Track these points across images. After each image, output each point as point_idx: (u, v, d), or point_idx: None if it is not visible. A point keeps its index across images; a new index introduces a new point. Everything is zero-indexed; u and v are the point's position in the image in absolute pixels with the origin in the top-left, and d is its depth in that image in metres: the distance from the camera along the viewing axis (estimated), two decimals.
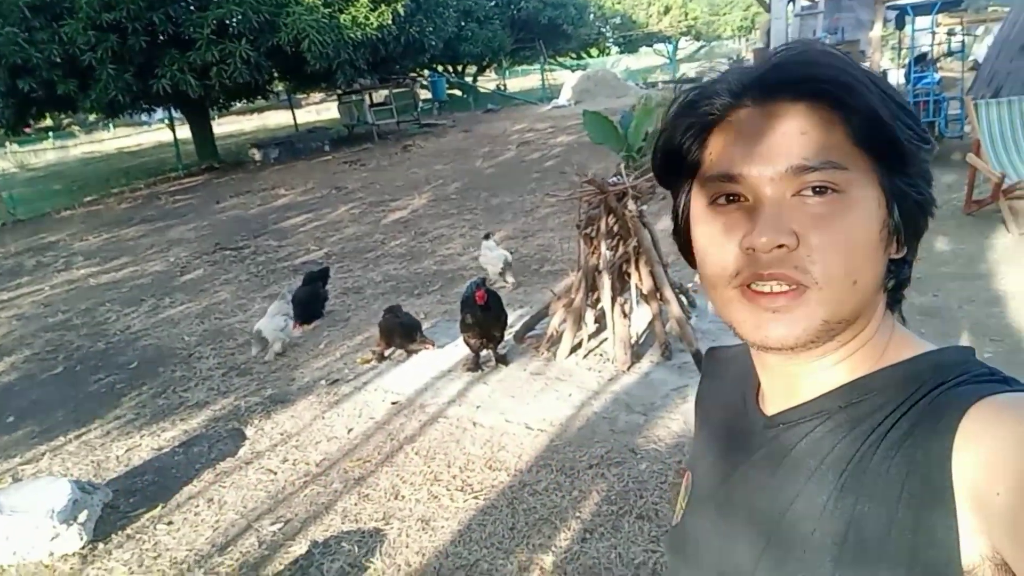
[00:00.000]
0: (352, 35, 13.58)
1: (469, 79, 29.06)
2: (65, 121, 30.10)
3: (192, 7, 12.90)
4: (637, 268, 4.26)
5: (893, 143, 0.60)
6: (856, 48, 13.49)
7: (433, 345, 4.70)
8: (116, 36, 11.92)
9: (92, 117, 25.93)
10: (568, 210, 7.55)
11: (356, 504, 3.18)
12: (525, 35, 27.68)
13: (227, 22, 12.80)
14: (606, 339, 4.39)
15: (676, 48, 36.30)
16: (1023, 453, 0.50)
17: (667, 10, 37.19)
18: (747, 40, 37.45)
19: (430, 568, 2.71)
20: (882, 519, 0.57)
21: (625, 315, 4.22)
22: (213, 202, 11.87)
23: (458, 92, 26.97)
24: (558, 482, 3.14)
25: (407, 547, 2.84)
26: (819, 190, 0.59)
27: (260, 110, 29.38)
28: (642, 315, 4.42)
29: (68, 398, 4.78)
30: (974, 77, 10.39)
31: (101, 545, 3.10)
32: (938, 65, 13.60)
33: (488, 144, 14.40)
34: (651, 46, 40.78)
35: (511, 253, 6.22)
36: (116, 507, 3.39)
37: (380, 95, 18.60)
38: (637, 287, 4.32)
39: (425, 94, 24.42)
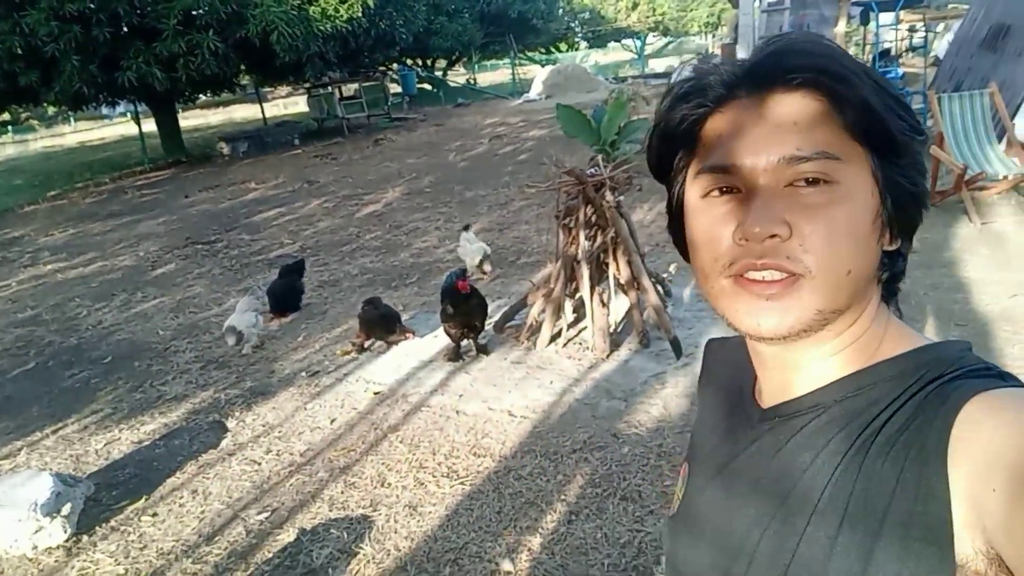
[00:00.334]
0: (321, 27, 13.47)
1: (439, 73, 28.98)
2: (24, 115, 29.39)
3: None
4: (615, 258, 4.33)
5: (886, 134, 0.60)
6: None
7: (414, 335, 4.73)
8: (79, 27, 11.68)
9: (52, 111, 25.39)
10: (543, 203, 7.62)
11: (342, 492, 3.20)
12: (495, 29, 27.67)
13: (194, 13, 12.60)
14: (585, 328, 4.46)
15: (644, 43, 36.59)
16: (1019, 449, 0.50)
17: (635, 6, 37.47)
18: (714, 36, 37.88)
19: (420, 552, 2.75)
20: (877, 512, 0.57)
21: (603, 304, 4.28)
22: (182, 196, 11.71)
23: (428, 86, 26.91)
24: (542, 467, 3.20)
25: (396, 532, 2.88)
26: (812, 180, 0.60)
27: (226, 103, 29.01)
28: (620, 304, 4.50)
29: (42, 394, 4.71)
30: (935, 72, 10.65)
31: (85, 537, 3.09)
32: (900, 61, 13.93)
33: (460, 138, 14.40)
34: (619, 41, 41.06)
35: (487, 245, 6.26)
36: (98, 500, 3.37)
37: (350, 89, 18.48)
38: (615, 276, 4.39)
39: (395, 88, 24.30)
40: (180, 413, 4.20)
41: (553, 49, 36.91)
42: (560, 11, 34.94)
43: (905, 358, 0.64)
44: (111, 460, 3.75)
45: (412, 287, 6.02)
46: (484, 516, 2.90)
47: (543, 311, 4.47)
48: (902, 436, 0.58)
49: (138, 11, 12.35)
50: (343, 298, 5.95)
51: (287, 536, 2.94)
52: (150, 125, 16.76)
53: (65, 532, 3.05)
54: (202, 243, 8.40)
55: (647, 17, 37.70)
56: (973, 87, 7.43)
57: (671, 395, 3.69)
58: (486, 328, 4.57)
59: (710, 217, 0.64)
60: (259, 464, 3.54)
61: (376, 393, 4.13)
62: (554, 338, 4.45)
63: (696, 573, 0.76)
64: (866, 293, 0.65)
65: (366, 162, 13.00)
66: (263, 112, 20.52)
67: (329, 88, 17.85)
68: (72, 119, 29.46)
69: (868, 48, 12.52)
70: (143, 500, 3.34)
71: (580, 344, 4.41)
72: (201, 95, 17.98)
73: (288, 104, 26.70)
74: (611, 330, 4.33)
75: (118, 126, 25.84)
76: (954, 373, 0.60)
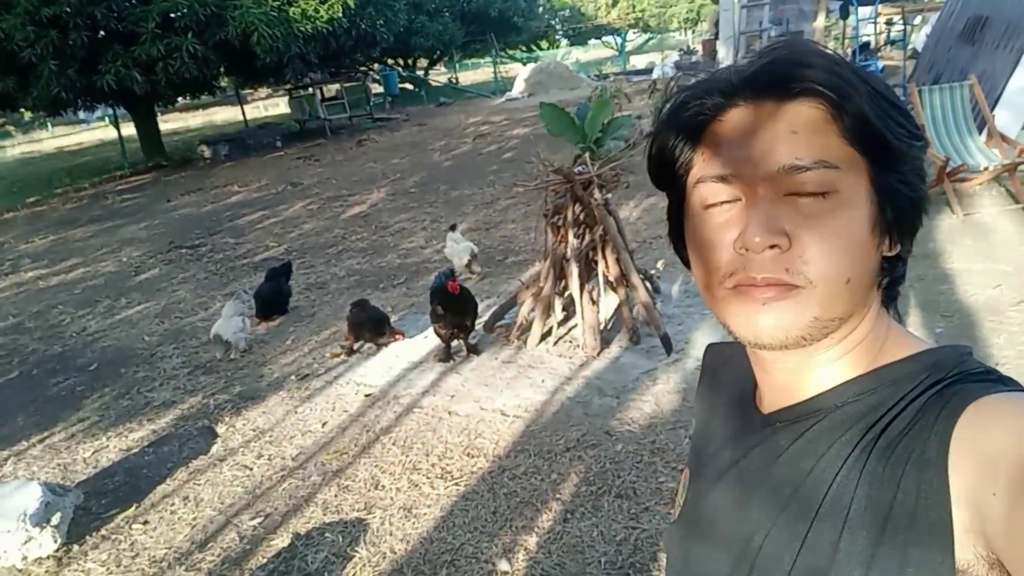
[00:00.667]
0: (302, 28, 13.38)
1: (421, 72, 28.90)
2: (0, 121, 29.01)
3: (135, 0, 12.55)
4: (604, 255, 4.34)
5: (884, 142, 0.60)
6: (806, 39, 13.83)
7: (403, 336, 4.71)
8: (56, 31, 11.53)
9: (28, 116, 25.05)
10: (529, 201, 7.62)
11: (336, 496, 3.19)
12: (476, 28, 27.62)
13: (172, 15, 12.49)
14: (575, 326, 4.46)
15: (625, 40, 36.65)
16: (1019, 452, 0.50)
17: (615, 3, 37.51)
18: (694, 31, 38.03)
19: (416, 554, 2.74)
20: (878, 517, 0.57)
21: (593, 302, 4.29)
22: (163, 200, 11.61)
23: (410, 86, 26.82)
24: (537, 465, 3.20)
25: (391, 535, 2.87)
26: (811, 190, 0.60)
27: (206, 106, 28.79)
28: (610, 301, 4.51)
29: (27, 402, 4.65)
30: (914, 65, 10.75)
31: (76, 547, 3.05)
32: (880, 54, 14.04)
33: (444, 137, 14.37)
34: (600, 38, 41.12)
35: (475, 245, 6.24)
36: (88, 509, 3.33)
37: (331, 89, 18.41)
38: (604, 274, 4.39)
39: (377, 88, 24.20)
40: (169, 419, 4.16)
41: (534, 47, 36.92)
42: (540, 9, 34.97)
43: (906, 363, 0.64)
44: (100, 468, 3.71)
45: (400, 288, 6.00)
46: (479, 516, 2.90)
47: (533, 310, 4.47)
48: (903, 440, 0.58)
49: (116, 14, 12.20)
50: (331, 300, 5.92)
51: (281, 541, 2.92)
52: (129, 129, 16.58)
53: (55, 542, 3.02)
54: (186, 247, 8.33)
55: (627, 14, 37.76)
56: (952, 79, 7.50)
57: (663, 391, 3.70)
58: (476, 328, 4.56)
59: (711, 226, 0.64)
60: (251, 469, 3.51)
61: (367, 395, 4.12)
62: (544, 337, 4.45)
63: None
64: (866, 299, 0.65)
65: (350, 163, 12.94)
66: (244, 114, 20.38)
67: (310, 89, 17.75)
68: (50, 124, 29.11)
69: (848, 42, 12.62)
70: (134, 508, 3.31)
71: (571, 342, 4.41)
72: (180, 98, 17.80)
73: (269, 106, 26.51)
74: (601, 328, 4.34)
75: (96, 131, 25.55)
76: (955, 377, 0.60)
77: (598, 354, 4.18)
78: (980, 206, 6.02)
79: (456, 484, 3.14)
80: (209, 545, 2.96)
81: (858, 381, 0.65)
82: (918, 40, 14.41)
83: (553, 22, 38.85)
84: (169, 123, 23.85)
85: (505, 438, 3.47)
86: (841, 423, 0.64)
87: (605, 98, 8.79)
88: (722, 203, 0.63)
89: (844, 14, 10.50)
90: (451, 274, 4.37)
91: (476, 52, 31.25)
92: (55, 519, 3.03)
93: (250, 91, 26.29)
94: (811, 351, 0.65)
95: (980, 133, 6.54)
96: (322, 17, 13.58)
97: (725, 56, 14.98)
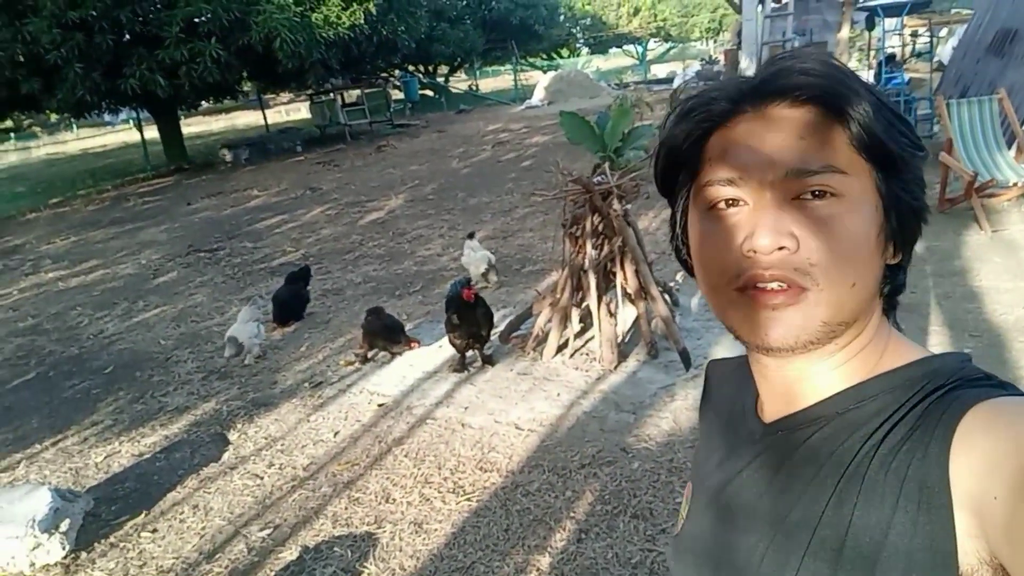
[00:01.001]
0: (324, 34, 13.46)
1: (441, 79, 28.99)
2: (27, 122, 29.44)
3: (160, 5, 12.68)
4: (622, 267, 4.27)
5: (889, 149, 0.61)
6: (824, 50, 13.68)
7: (419, 344, 4.66)
8: (82, 34, 11.66)
9: (54, 118, 25.40)
10: (547, 210, 7.57)
11: (346, 508, 3.14)
12: (497, 35, 27.70)
13: (196, 20, 12.59)
14: (591, 338, 4.39)
15: (646, 49, 36.57)
16: (1020, 457, 0.50)
17: (636, 12, 37.46)
18: (715, 41, 37.89)
19: (426, 572, 2.68)
20: (880, 524, 0.57)
21: (611, 314, 4.22)
22: (184, 203, 11.68)
23: (431, 92, 26.90)
24: (551, 482, 3.13)
25: (401, 551, 2.81)
26: (818, 193, 0.60)
27: (228, 110, 29.03)
28: (627, 314, 4.43)
29: (42, 404, 4.66)
30: (940, 77, 10.60)
31: (84, 554, 3.02)
32: (905, 66, 13.87)
33: (463, 144, 14.37)
34: (621, 47, 41.06)
35: (492, 253, 6.19)
36: (98, 515, 3.30)
37: (352, 95, 18.48)
38: (622, 286, 4.33)
39: (397, 94, 24.30)
40: (181, 425, 4.14)
41: (555, 55, 36.92)
42: (561, 17, 34.97)
43: (906, 369, 0.64)
44: (111, 474, 3.69)
45: (416, 295, 5.96)
46: (491, 534, 2.83)
47: (549, 321, 4.41)
48: (904, 447, 0.58)
49: (140, 18, 12.35)
50: (346, 307, 5.89)
51: (289, 554, 2.88)
52: (152, 132, 16.74)
53: (63, 549, 2.99)
54: (204, 251, 8.36)
55: (649, 23, 37.68)
56: (980, 92, 7.38)
57: (681, 408, 3.62)
58: (491, 338, 4.51)
59: (717, 230, 0.65)
60: (261, 479, 3.47)
61: (380, 405, 4.07)
62: (561, 348, 4.39)
63: None
64: (870, 306, 0.66)
65: (369, 169, 12.97)
66: (265, 119, 20.53)
67: (332, 95, 17.87)
68: (75, 126, 29.50)
69: (873, 54, 12.47)
70: (143, 515, 3.28)
71: (587, 355, 4.34)
72: (203, 102, 17.96)
73: (291, 111, 26.72)
74: (619, 340, 4.26)
75: (120, 133, 25.86)
76: (954, 383, 0.60)
77: (615, 368, 4.11)
78: (1009, 222, 5.89)
79: (468, 499, 3.08)
80: (217, 556, 2.92)
81: (859, 388, 0.65)
82: (944, 52, 14.23)
83: (574, 30, 38.77)
84: (192, 127, 24.10)
85: (519, 453, 3.40)
86: (843, 430, 0.64)
87: (626, 107, 8.73)
88: (729, 207, 0.64)
89: (870, 25, 10.37)
90: (467, 283, 4.32)
91: (497, 59, 31.34)
92: (64, 526, 3.01)
93: (272, 96, 26.51)
94: (814, 358, 0.65)
95: (1009, 148, 6.41)
96: (344, 23, 13.65)
97: (747, 66, 14.85)
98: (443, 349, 4.59)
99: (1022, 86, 7.46)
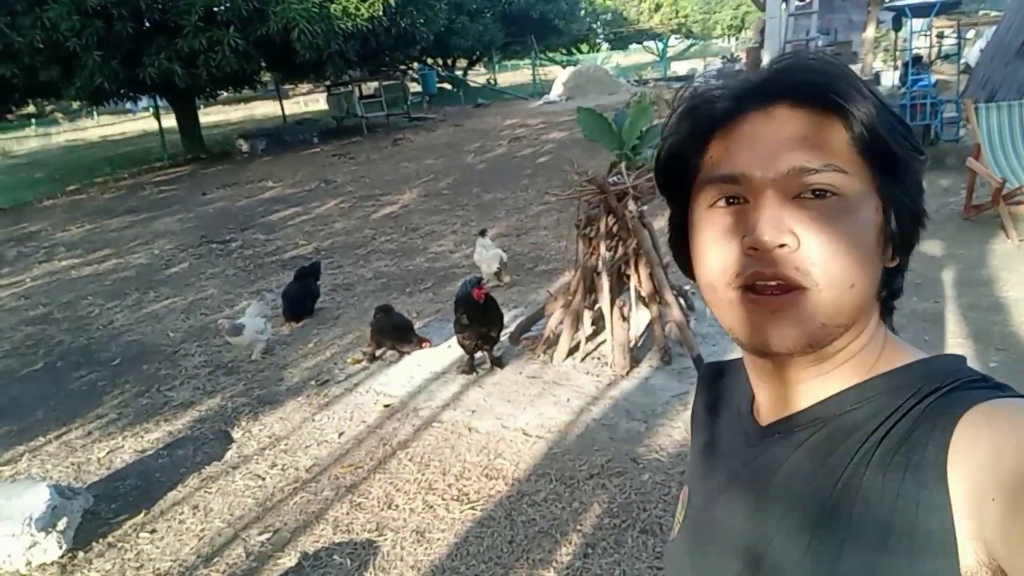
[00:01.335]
0: (342, 26, 13.36)
1: (459, 73, 28.89)
2: (48, 108, 29.63)
3: None
4: (636, 270, 4.17)
5: (890, 151, 0.61)
6: (848, 49, 13.48)
7: (430, 344, 4.58)
8: (101, 22, 11.64)
9: (75, 105, 25.52)
10: (562, 208, 7.46)
11: (348, 513, 3.07)
12: (516, 29, 27.52)
13: (215, 9, 12.56)
14: (603, 342, 4.30)
15: (666, 46, 36.28)
16: (1017, 458, 0.50)
17: (658, 7, 37.18)
18: (737, 39, 37.52)
19: None
20: (879, 525, 0.57)
21: (624, 318, 4.12)
22: (199, 193, 11.67)
23: (448, 86, 26.79)
24: (557, 492, 3.04)
25: (401, 560, 2.74)
26: (819, 193, 0.60)
27: (246, 100, 29.03)
28: (641, 318, 4.33)
29: (48, 396, 4.63)
30: (967, 80, 10.37)
31: (81, 554, 2.98)
32: (931, 68, 13.62)
33: (479, 139, 14.27)
34: (641, 43, 40.78)
35: (504, 251, 6.10)
36: (97, 513, 3.26)
37: (370, 87, 18.40)
38: (636, 289, 4.22)
39: (415, 87, 24.20)
40: (186, 421, 4.09)
41: (574, 50, 36.69)
42: (582, 12, 34.70)
43: (902, 371, 0.64)
44: (113, 470, 3.65)
45: (427, 293, 5.89)
46: (495, 546, 2.75)
47: (561, 322, 4.32)
48: (901, 448, 0.58)
49: (160, 7, 12.32)
50: (356, 303, 5.82)
51: (288, 560, 2.81)
52: (170, 121, 16.76)
53: (60, 548, 2.95)
54: (217, 242, 8.33)
55: (670, 19, 37.39)
56: (1009, 96, 7.19)
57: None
58: (501, 339, 4.42)
59: (718, 227, 0.64)
60: (263, 479, 3.41)
61: (386, 406, 4.00)
62: (572, 352, 4.29)
63: None
64: (868, 309, 0.65)
65: (384, 162, 12.90)
66: (283, 110, 20.51)
67: (349, 86, 17.79)
68: (95, 113, 29.63)
69: (899, 55, 12.25)
70: (142, 515, 3.23)
71: (599, 359, 4.24)
72: (222, 92, 17.95)
73: (308, 102, 26.66)
74: (631, 345, 4.16)
75: (140, 121, 25.91)
76: (951, 385, 0.60)
77: (627, 373, 4.02)
78: None
79: (472, 508, 3.00)
80: (215, 560, 2.86)
81: (856, 390, 0.65)
82: (971, 55, 13.95)
83: (594, 25, 38.54)
84: (210, 116, 24.15)
85: (526, 460, 3.32)
86: (840, 432, 0.64)
87: (644, 104, 8.60)
88: (729, 205, 0.64)
89: (897, 26, 10.16)
90: (477, 282, 4.24)
91: (516, 54, 31.15)
92: (61, 524, 2.96)
93: (291, 87, 26.48)
94: (812, 360, 0.65)
95: None
96: (363, 15, 13.55)
97: None
98: (452, 349, 4.51)
99: None
